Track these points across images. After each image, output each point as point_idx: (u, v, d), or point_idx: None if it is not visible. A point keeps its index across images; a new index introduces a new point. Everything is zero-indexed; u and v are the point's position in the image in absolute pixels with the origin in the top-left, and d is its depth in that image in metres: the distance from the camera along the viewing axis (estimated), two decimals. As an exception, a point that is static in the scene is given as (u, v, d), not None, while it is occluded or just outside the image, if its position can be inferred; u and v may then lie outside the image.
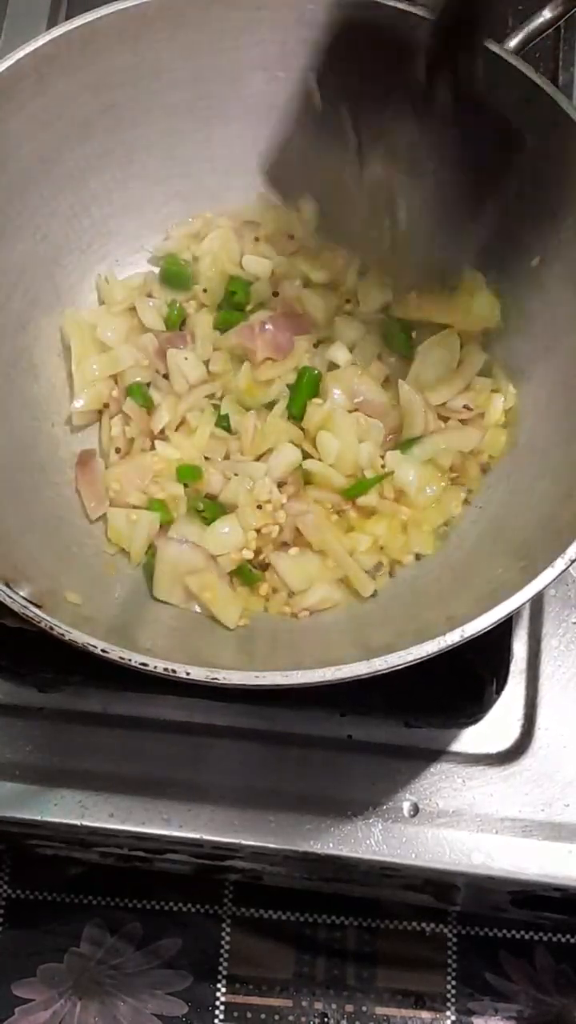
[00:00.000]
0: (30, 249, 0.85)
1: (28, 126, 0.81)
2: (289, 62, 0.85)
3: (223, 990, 1.02)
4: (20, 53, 0.79)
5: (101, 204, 0.88)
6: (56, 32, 0.80)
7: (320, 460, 0.83)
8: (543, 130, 0.78)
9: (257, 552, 0.81)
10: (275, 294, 0.88)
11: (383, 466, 0.82)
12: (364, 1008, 1.02)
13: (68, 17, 0.88)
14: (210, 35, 0.84)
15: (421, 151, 0.77)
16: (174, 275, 0.89)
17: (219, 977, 1.02)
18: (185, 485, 0.83)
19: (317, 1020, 1.01)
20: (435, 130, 0.76)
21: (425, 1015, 1.01)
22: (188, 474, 0.83)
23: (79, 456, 0.85)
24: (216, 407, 0.86)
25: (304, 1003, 1.02)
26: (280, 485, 0.83)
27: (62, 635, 0.66)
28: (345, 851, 0.79)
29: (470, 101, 0.75)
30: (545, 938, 1.03)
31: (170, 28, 0.83)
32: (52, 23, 1.02)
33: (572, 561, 0.67)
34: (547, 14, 0.79)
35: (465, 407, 0.84)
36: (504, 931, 1.03)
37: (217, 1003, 1.02)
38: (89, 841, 0.88)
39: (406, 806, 0.80)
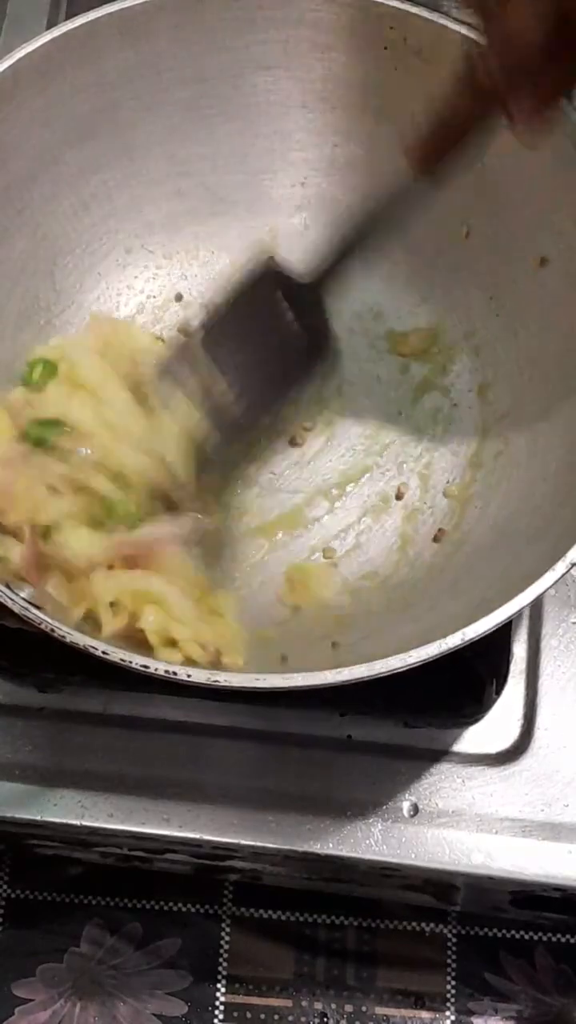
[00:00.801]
0: (30, 249, 0.85)
1: (28, 126, 0.81)
2: (290, 62, 0.85)
3: (223, 990, 1.02)
4: (20, 53, 0.79)
5: (101, 204, 0.88)
6: (56, 32, 0.80)
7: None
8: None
9: None
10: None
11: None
12: (364, 1008, 1.01)
13: (68, 17, 0.88)
14: (211, 34, 0.84)
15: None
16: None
17: (219, 977, 1.02)
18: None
19: (317, 1020, 1.01)
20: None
21: (425, 1015, 1.01)
22: None
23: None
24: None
25: (304, 1003, 1.02)
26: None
27: (63, 637, 0.66)
28: (345, 851, 0.79)
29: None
30: (545, 938, 1.03)
31: (170, 27, 0.83)
32: (52, 23, 1.02)
33: (573, 564, 0.67)
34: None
35: None
36: (504, 931, 1.03)
37: (217, 1003, 1.02)
38: (89, 841, 0.88)
39: (406, 806, 0.80)
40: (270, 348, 0.80)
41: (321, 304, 0.79)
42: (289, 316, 0.80)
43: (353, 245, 0.77)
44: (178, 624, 0.73)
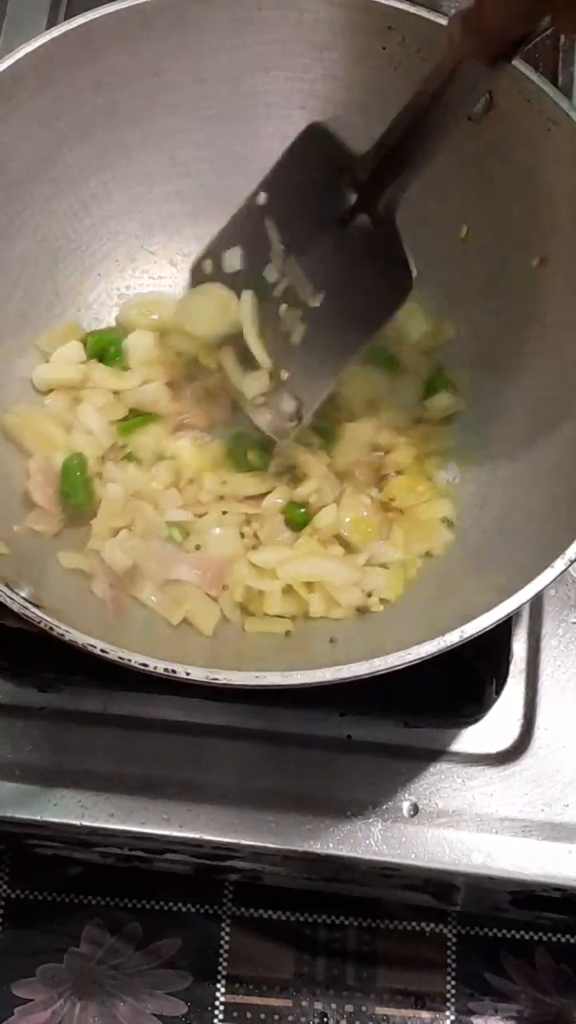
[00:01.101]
0: (30, 249, 0.85)
1: (28, 126, 0.81)
2: (289, 62, 0.85)
3: (223, 990, 1.02)
4: (20, 53, 0.79)
5: (101, 204, 0.88)
6: (56, 32, 0.80)
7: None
8: (543, 130, 0.78)
9: None
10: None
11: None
12: (364, 1008, 1.02)
13: (68, 17, 0.88)
14: (210, 35, 0.84)
15: (330, 270, 0.80)
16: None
17: (219, 977, 1.02)
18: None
19: (317, 1020, 1.01)
20: (347, 254, 0.79)
21: (425, 1015, 1.02)
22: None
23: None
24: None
25: (304, 1003, 1.02)
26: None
27: (62, 635, 0.66)
28: (345, 851, 0.79)
29: (382, 233, 0.77)
30: (545, 938, 1.03)
31: (170, 28, 0.83)
32: (52, 23, 1.02)
33: (571, 561, 0.67)
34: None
35: None
36: (504, 931, 1.03)
37: (217, 1003, 1.02)
38: (89, 841, 0.88)
39: (406, 806, 0.80)
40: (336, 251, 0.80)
41: (392, 221, 0.76)
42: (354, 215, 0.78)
43: (412, 137, 0.73)
44: (336, 598, 0.79)
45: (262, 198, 0.83)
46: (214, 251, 0.86)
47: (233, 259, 0.85)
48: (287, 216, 0.82)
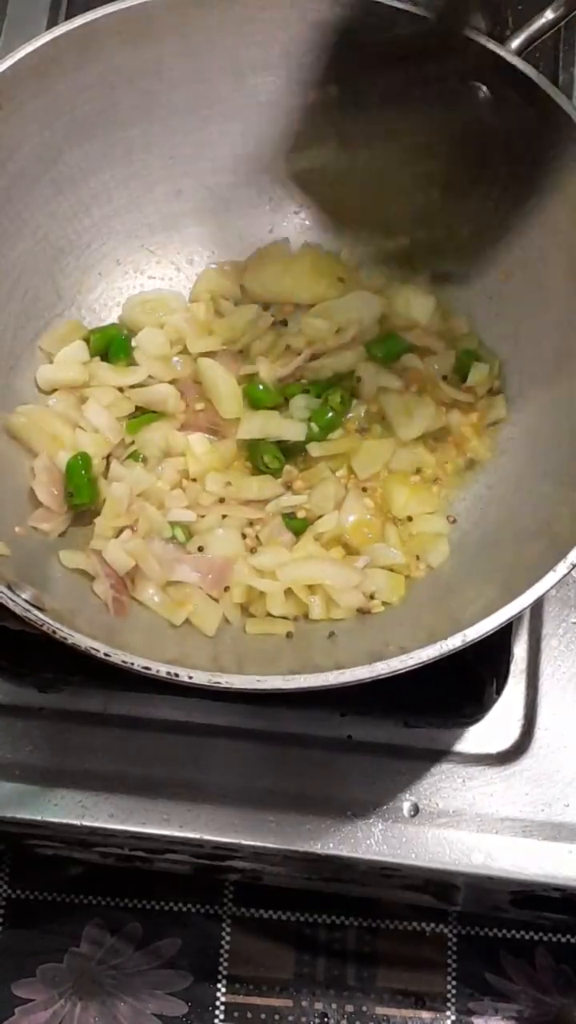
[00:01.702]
0: (30, 249, 0.85)
1: (28, 126, 0.81)
2: (289, 62, 0.85)
3: (223, 990, 1.02)
4: (20, 53, 0.79)
5: (101, 204, 0.88)
6: (56, 32, 0.80)
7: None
8: (543, 130, 0.78)
9: None
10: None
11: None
12: (364, 1008, 1.02)
13: (68, 17, 0.88)
14: (210, 35, 0.84)
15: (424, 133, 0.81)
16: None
17: (219, 977, 1.02)
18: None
19: (317, 1020, 1.01)
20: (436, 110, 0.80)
21: (425, 1015, 1.02)
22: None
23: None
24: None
25: (304, 1003, 1.02)
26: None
27: (64, 638, 0.66)
28: (345, 851, 0.79)
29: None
30: (545, 938, 1.03)
31: (170, 27, 0.83)
32: (52, 23, 1.02)
33: (573, 565, 0.67)
34: (549, 15, 0.79)
35: None
36: (504, 931, 1.03)
37: (217, 1003, 1.02)
38: (89, 841, 0.88)
39: (406, 806, 0.80)
40: None
41: None
42: None
43: None
44: (336, 600, 0.79)
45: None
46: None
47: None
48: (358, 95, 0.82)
